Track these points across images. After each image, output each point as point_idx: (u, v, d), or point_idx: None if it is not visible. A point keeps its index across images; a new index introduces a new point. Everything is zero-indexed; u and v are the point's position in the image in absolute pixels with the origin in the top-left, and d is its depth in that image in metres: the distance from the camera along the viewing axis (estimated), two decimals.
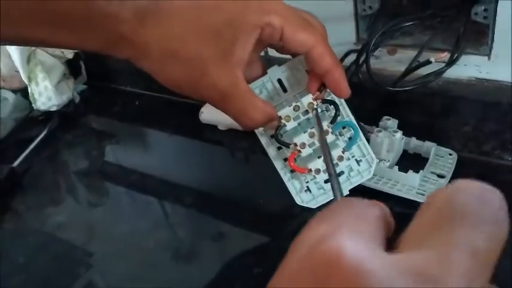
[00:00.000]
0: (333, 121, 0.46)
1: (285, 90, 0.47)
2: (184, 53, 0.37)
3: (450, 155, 0.56)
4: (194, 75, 0.38)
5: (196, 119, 0.71)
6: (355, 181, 0.50)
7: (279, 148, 0.48)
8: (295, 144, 0.46)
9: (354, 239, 0.18)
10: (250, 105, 0.40)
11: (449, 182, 0.52)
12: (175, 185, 0.65)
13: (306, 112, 0.45)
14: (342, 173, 0.49)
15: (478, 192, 0.18)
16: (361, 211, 0.20)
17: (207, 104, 0.72)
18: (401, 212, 0.51)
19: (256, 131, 0.48)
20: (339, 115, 0.46)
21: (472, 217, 0.18)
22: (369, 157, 0.49)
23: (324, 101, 0.45)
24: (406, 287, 0.16)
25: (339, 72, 0.41)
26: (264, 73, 0.46)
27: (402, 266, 0.17)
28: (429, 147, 0.56)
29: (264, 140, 0.48)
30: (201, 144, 0.72)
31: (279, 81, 0.46)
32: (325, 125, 0.45)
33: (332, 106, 0.46)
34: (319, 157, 0.46)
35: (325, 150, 0.41)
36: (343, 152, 0.47)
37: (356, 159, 0.49)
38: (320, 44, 0.39)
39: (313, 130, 0.45)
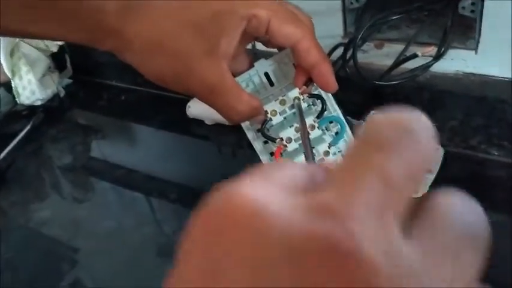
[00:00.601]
0: (320, 116, 0.45)
1: (271, 84, 0.46)
2: (169, 46, 0.37)
3: (437, 149, 0.56)
4: (179, 69, 0.38)
5: (183, 113, 0.71)
6: None
7: (265, 142, 0.48)
8: (281, 139, 0.45)
9: (259, 185, 0.16)
10: (236, 99, 0.39)
11: (436, 177, 0.53)
12: (161, 181, 0.65)
13: (292, 106, 0.45)
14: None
15: (399, 120, 0.17)
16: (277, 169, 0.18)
17: (194, 99, 0.72)
18: None
19: (242, 125, 0.48)
20: (325, 110, 0.45)
21: (388, 144, 0.16)
22: None
23: (311, 95, 0.45)
24: (302, 225, 0.14)
25: (326, 67, 0.40)
26: (251, 66, 0.46)
27: (307, 206, 0.14)
28: None
29: (250, 135, 0.48)
30: (187, 139, 0.71)
31: (266, 74, 0.46)
32: (312, 119, 0.45)
33: (319, 101, 0.45)
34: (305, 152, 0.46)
35: (305, 141, 0.40)
36: (329, 147, 0.46)
37: (342, 154, 0.49)
38: (307, 37, 0.39)
39: (306, 122, 0.45)
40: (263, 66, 0.46)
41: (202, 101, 0.41)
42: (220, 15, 0.37)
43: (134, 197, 0.63)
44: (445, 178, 0.53)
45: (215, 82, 0.38)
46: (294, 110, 0.45)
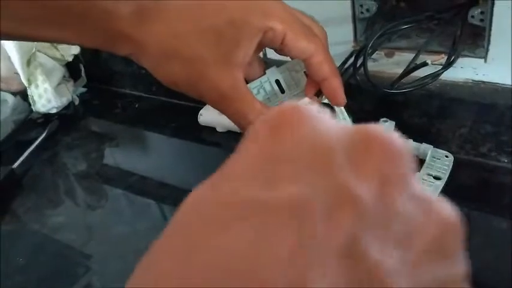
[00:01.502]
0: None
1: (282, 91, 0.47)
2: (184, 52, 0.37)
3: (446, 157, 0.56)
4: (193, 75, 0.38)
5: (195, 121, 0.71)
6: None
7: None
8: None
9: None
10: (248, 107, 0.40)
11: (446, 184, 0.53)
12: (174, 187, 0.65)
13: None
14: None
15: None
16: None
17: (206, 106, 0.73)
18: None
19: None
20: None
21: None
22: None
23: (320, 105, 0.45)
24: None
25: (336, 81, 0.41)
26: (263, 73, 0.46)
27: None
28: (426, 149, 0.56)
29: None
30: (199, 146, 0.72)
31: (277, 82, 0.47)
32: None
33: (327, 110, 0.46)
34: None
35: None
36: None
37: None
38: (320, 52, 0.40)
39: None
40: (274, 73, 0.46)
41: (215, 108, 0.41)
42: (237, 24, 0.37)
43: (147, 204, 0.64)
44: (455, 185, 0.53)
45: (228, 90, 0.39)
46: None
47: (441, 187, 0.53)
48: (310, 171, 0.16)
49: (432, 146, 0.56)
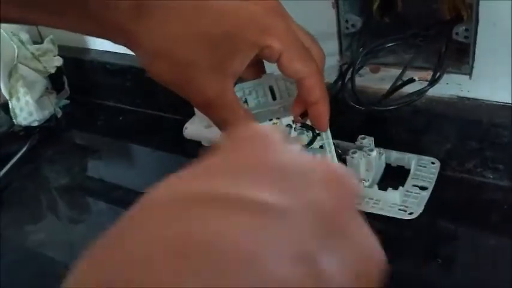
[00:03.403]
0: (307, 146, 0.46)
1: (274, 98, 0.47)
2: (176, 54, 0.37)
3: (433, 163, 0.56)
4: (183, 78, 0.38)
5: (180, 134, 0.71)
6: None
7: None
8: None
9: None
10: (232, 115, 0.40)
11: (432, 199, 0.53)
12: None
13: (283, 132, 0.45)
14: None
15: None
16: None
17: (191, 120, 0.72)
18: (386, 230, 0.52)
19: None
20: (313, 142, 0.46)
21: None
22: None
23: (303, 125, 0.45)
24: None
25: (324, 108, 0.42)
26: (260, 74, 0.46)
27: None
28: (410, 159, 0.56)
29: None
30: (184, 160, 0.71)
31: (271, 88, 0.47)
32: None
33: (310, 132, 0.46)
34: None
35: None
36: None
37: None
38: (313, 76, 0.40)
39: None
40: (270, 79, 0.46)
41: (199, 111, 0.42)
42: (235, 38, 0.37)
43: None
44: (441, 201, 0.54)
45: (216, 97, 0.39)
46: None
47: (427, 198, 0.53)
48: (289, 184, 0.19)
49: (416, 155, 0.56)
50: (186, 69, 0.38)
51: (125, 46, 0.39)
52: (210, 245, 0.16)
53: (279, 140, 0.21)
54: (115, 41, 0.39)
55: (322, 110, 0.42)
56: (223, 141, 0.21)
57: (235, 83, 0.42)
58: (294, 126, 0.44)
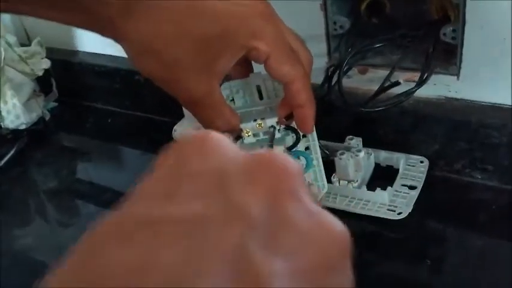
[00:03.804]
0: (291, 148, 0.46)
1: (261, 97, 0.47)
2: (164, 53, 0.37)
3: (421, 162, 0.56)
4: (170, 76, 0.39)
5: (169, 136, 0.70)
6: None
7: None
8: None
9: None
10: (218, 114, 0.41)
11: (420, 194, 0.53)
12: None
13: (267, 133, 0.45)
14: None
15: None
16: None
17: (181, 122, 0.72)
18: (375, 231, 0.52)
19: None
20: (298, 144, 0.46)
21: None
22: (320, 184, 0.49)
23: (287, 127, 0.45)
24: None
25: (310, 111, 0.42)
26: (248, 73, 0.46)
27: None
28: (399, 158, 0.56)
29: None
30: None
31: (258, 87, 0.47)
32: (281, 149, 0.45)
33: (294, 134, 0.46)
34: None
35: None
36: None
37: (308, 182, 0.49)
38: (300, 79, 0.40)
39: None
40: (257, 79, 0.46)
41: (185, 108, 0.43)
42: (223, 38, 0.37)
43: None
44: (429, 202, 0.54)
45: (202, 97, 0.39)
46: (267, 136, 0.45)
47: (416, 197, 0.53)
48: (209, 191, 0.18)
49: (405, 154, 0.57)
50: (173, 68, 0.38)
51: (113, 40, 0.39)
52: (125, 268, 0.16)
53: (219, 147, 0.20)
54: (103, 34, 0.39)
55: (307, 114, 0.42)
56: (167, 149, 0.21)
57: (222, 82, 0.43)
58: (278, 128, 0.44)
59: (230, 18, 0.37)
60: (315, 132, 0.46)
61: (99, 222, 0.18)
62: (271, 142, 0.43)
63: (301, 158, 0.47)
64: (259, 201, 0.18)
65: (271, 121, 0.44)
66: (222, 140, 0.20)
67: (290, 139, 0.46)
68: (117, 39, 0.39)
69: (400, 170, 0.56)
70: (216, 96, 0.40)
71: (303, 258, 0.18)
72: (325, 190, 0.50)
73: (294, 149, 0.46)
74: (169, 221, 0.17)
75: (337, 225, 0.19)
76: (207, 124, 0.41)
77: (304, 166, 0.47)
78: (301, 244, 0.18)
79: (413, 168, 0.56)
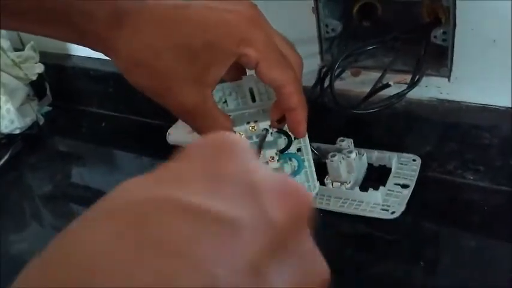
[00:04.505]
0: (283, 151, 0.46)
1: (254, 100, 0.47)
2: (154, 64, 0.38)
3: (414, 160, 0.57)
4: (161, 87, 0.39)
5: (163, 140, 0.71)
6: None
7: None
8: None
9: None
10: (212, 122, 0.41)
11: (413, 195, 0.54)
12: None
13: (260, 135, 0.45)
14: None
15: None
16: None
17: (175, 125, 0.72)
18: (370, 232, 0.53)
19: None
20: (289, 147, 0.46)
21: None
22: (312, 184, 0.50)
23: (279, 131, 0.46)
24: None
25: (301, 115, 0.42)
26: (245, 74, 0.46)
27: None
28: (391, 157, 0.57)
29: None
30: None
31: (251, 90, 0.47)
32: (274, 151, 0.45)
33: (285, 137, 0.46)
34: None
35: None
36: None
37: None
38: (291, 83, 0.40)
39: (262, 152, 0.45)
40: (250, 81, 0.46)
41: (178, 117, 0.42)
42: (213, 48, 0.38)
43: None
44: (422, 202, 0.54)
45: (195, 106, 0.39)
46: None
47: (408, 196, 0.53)
48: (243, 197, 0.19)
49: (397, 153, 0.57)
50: (164, 79, 0.38)
51: (104, 54, 0.39)
52: (164, 246, 0.16)
53: (243, 151, 0.21)
54: (94, 48, 0.39)
55: (299, 117, 0.42)
56: (188, 147, 0.22)
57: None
58: (270, 130, 0.45)
59: (218, 27, 0.37)
60: (306, 135, 0.46)
61: (126, 195, 0.19)
62: (261, 145, 0.43)
63: (293, 160, 0.48)
64: (286, 218, 0.20)
65: (264, 124, 0.44)
66: (250, 150, 0.22)
67: (282, 142, 0.46)
68: (107, 53, 0.39)
69: (393, 169, 0.56)
70: (209, 105, 0.40)
71: (297, 284, 0.20)
72: (316, 190, 0.50)
73: (286, 152, 0.46)
74: (207, 212, 0.18)
75: (323, 264, 0.22)
76: (202, 131, 0.42)
77: (296, 168, 0.48)
78: (297, 270, 0.20)
79: (405, 167, 0.57)
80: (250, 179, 0.20)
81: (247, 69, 0.47)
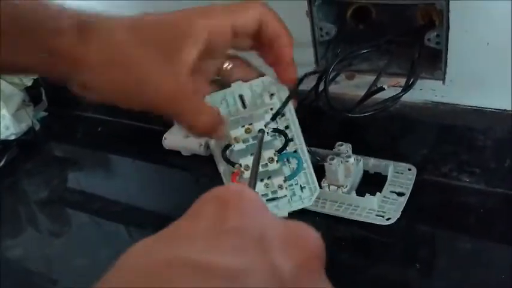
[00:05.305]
0: (280, 151, 0.46)
1: (245, 106, 0.47)
2: (124, 59, 0.36)
3: (409, 170, 0.57)
4: (135, 81, 0.37)
5: (159, 145, 0.71)
6: (296, 206, 0.50)
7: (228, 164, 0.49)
8: (240, 165, 0.46)
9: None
10: (197, 107, 0.39)
11: (409, 203, 0.54)
12: (139, 211, 0.64)
13: (256, 137, 0.45)
14: (284, 196, 0.49)
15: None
16: None
17: (171, 130, 0.72)
18: (365, 236, 0.53)
19: (210, 144, 0.48)
20: (287, 146, 0.46)
21: None
22: (312, 186, 0.49)
23: (275, 130, 0.46)
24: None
25: (287, 39, 0.41)
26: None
27: None
28: (387, 165, 0.57)
29: (216, 153, 0.48)
30: (164, 170, 0.71)
31: (241, 97, 0.47)
32: (272, 152, 0.45)
33: (282, 137, 0.46)
34: (261, 180, 0.47)
35: (253, 172, 0.40)
36: (284, 181, 0.47)
37: (300, 186, 0.49)
38: (266, 13, 0.40)
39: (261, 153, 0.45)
40: (240, 88, 0.46)
41: (162, 114, 0.39)
42: (179, 26, 0.37)
43: (112, 229, 0.63)
44: (418, 205, 0.54)
45: (174, 91, 0.37)
46: (256, 141, 0.46)
47: (404, 203, 0.54)
48: (250, 249, 0.20)
49: (393, 162, 0.57)
50: (137, 71, 0.37)
51: (70, 71, 0.37)
52: None
53: (249, 201, 0.22)
54: (58, 70, 0.37)
55: (292, 68, 0.43)
56: (195, 204, 0.23)
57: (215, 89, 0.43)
58: (266, 131, 0.45)
59: (179, 13, 0.38)
60: (302, 136, 0.46)
61: (139, 257, 0.20)
62: (260, 148, 0.43)
63: (292, 160, 0.48)
64: (293, 267, 0.20)
65: (259, 125, 0.45)
66: (257, 198, 0.23)
67: (278, 142, 0.46)
68: (75, 66, 0.37)
69: (389, 177, 0.56)
70: (189, 89, 0.38)
71: None
72: (318, 192, 0.50)
73: (284, 152, 0.46)
74: (215, 268, 0.19)
75: None
76: (189, 120, 0.39)
77: (295, 168, 0.48)
78: None
79: (401, 176, 0.57)
80: (258, 231, 0.21)
81: (234, 78, 0.46)
